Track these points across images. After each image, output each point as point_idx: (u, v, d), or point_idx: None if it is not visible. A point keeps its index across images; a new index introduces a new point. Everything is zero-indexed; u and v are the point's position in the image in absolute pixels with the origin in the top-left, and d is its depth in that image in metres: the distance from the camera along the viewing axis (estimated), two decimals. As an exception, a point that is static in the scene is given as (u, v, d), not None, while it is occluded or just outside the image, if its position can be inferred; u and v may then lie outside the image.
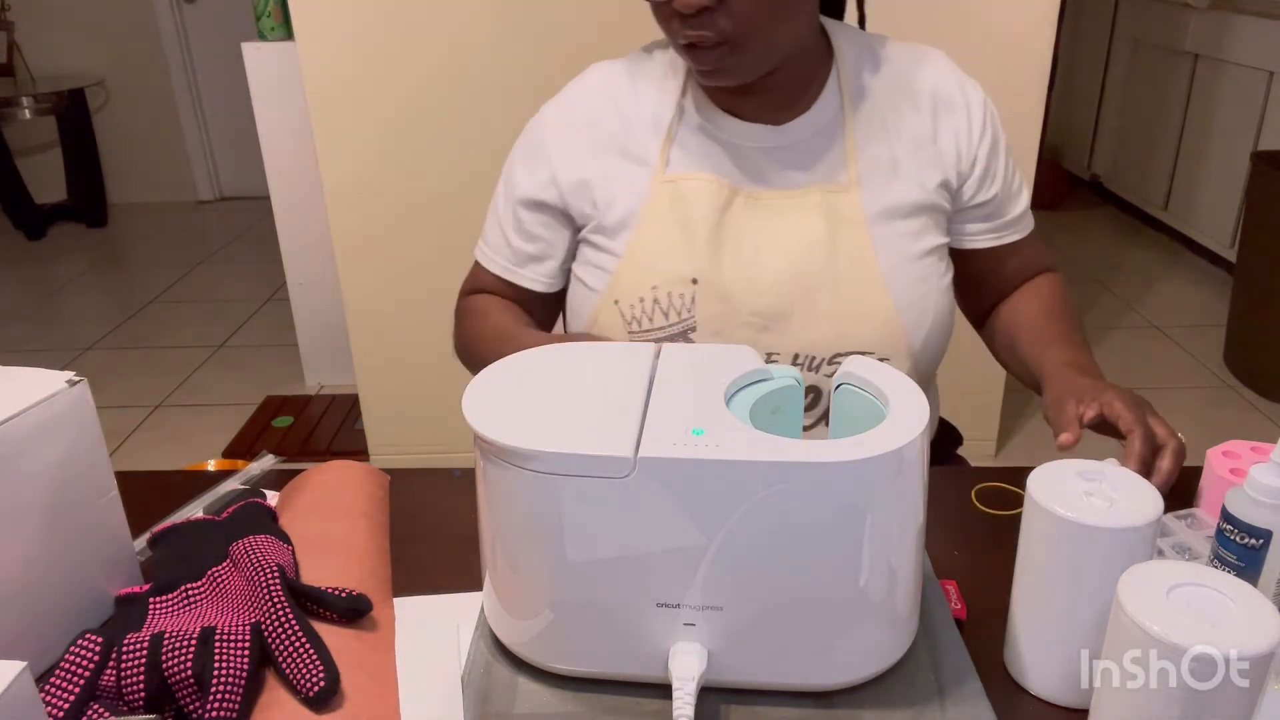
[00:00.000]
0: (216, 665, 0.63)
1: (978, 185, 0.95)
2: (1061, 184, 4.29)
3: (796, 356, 0.91)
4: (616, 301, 0.92)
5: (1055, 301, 1.01)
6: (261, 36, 2.58)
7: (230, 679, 0.63)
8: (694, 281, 0.90)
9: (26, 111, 4.23)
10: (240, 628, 0.66)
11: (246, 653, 0.64)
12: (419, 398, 2.27)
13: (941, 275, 0.95)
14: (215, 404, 2.78)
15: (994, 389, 2.32)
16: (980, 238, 0.99)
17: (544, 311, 1.05)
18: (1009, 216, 0.99)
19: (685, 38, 0.83)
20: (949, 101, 0.94)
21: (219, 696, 0.62)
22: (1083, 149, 4.43)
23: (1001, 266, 1.02)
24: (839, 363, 0.90)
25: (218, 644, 0.64)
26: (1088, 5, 4.27)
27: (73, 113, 4.28)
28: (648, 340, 0.91)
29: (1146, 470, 0.74)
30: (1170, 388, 2.74)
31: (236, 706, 0.62)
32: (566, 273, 1.02)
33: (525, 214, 0.98)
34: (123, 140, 4.67)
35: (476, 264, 1.05)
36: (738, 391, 0.70)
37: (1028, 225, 1.02)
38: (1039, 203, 2.22)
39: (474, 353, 0.98)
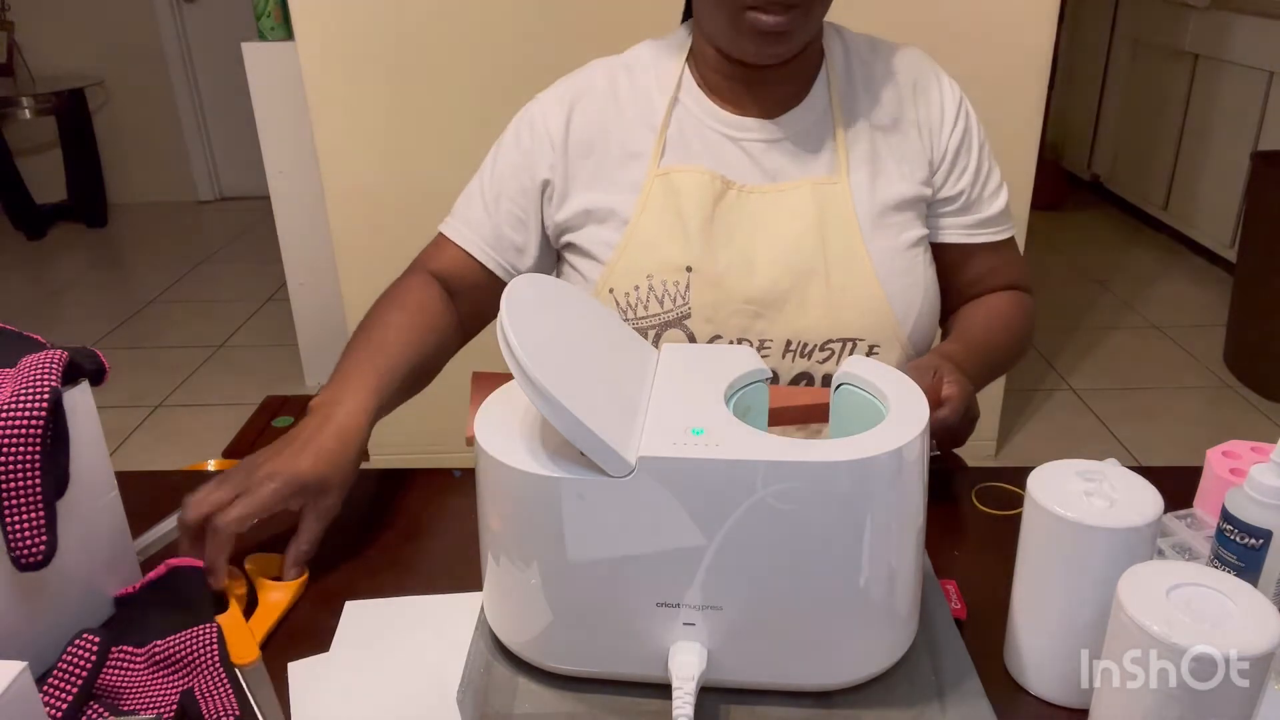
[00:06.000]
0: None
1: (945, 177, 0.97)
2: (1061, 184, 4.28)
3: (789, 343, 0.93)
4: (611, 290, 0.94)
5: (999, 316, 1.01)
6: (261, 36, 2.58)
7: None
8: (688, 269, 0.92)
9: (26, 111, 4.23)
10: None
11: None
12: (419, 398, 2.26)
13: (926, 266, 0.97)
14: (215, 404, 2.78)
15: (994, 389, 2.32)
16: (949, 231, 0.99)
17: (483, 297, 1.01)
18: (980, 215, 0.99)
19: (762, 2, 0.83)
20: (925, 93, 0.96)
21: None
22: (1083, 149, 4.43)
23: (966, 266, 1.01)
24: (831, 349, 0.92)
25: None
26: (1088, 5, 4.27)
27: (73, 113, 4.28)
28: (642, 328, 0.93)
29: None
30: (1170, 388, 2.74)
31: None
32: (537, 266, 1.01)
33: (507, 197, 0.99)
34: (123, 140, 4.66)
35: (441, 238, 1.02)
36: (738, 391, 0.70)
37: (1001, 232, 1.01)
38: (1039, 202, 2.23)
39: (348, 346, 0.93)
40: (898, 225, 0.94)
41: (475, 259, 1.00)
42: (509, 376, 0.62)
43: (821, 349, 0.93)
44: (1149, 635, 0.54)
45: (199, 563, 0.76)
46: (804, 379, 0.94)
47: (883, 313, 0.92)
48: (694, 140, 0.95)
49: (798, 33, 0.86)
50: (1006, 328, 1.00)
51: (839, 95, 0.95)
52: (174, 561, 0.77)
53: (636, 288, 0.93)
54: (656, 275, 0.92)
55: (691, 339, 0.93)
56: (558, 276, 1.04)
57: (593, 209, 0.96)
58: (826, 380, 0.94)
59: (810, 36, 0.90)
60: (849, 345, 0.93)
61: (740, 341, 0.93)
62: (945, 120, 0.96)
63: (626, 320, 0.93)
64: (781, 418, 0.77)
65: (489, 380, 0.82)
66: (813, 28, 0.89)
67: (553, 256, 1.03)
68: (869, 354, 0.92)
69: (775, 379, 0.94)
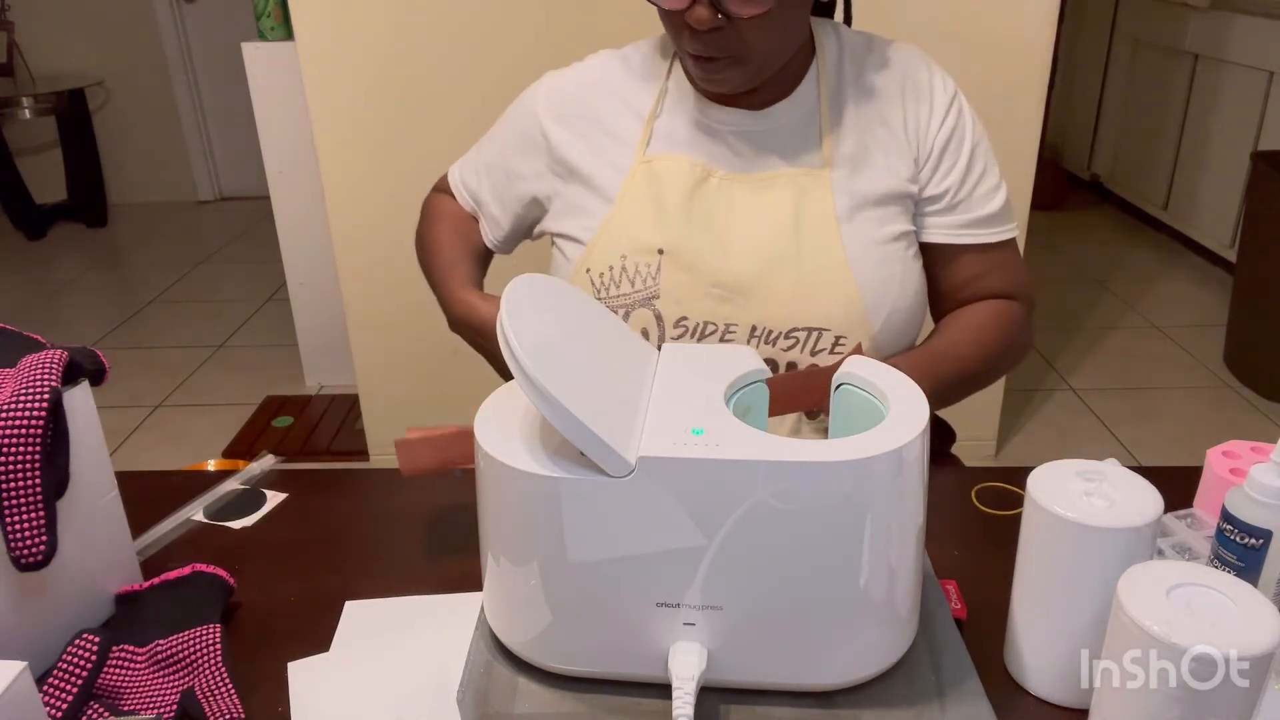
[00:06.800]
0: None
1: (930, 174, 0.96)
2: (1061, 184, 4.28)
3: (754, 329, 0.93)
4: (588, 270, 0.96)
5: (969, 330, 0.98)
6: (261, 36, 2.58)
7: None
8: (660, 252, 0.93)
9: (26, 111, 4.23)
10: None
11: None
12: (419, 398, 2.26)
13: (908, 262, 0.95)
14: (215, 404, 2.78)
15: (993, 389, 2.32)
16: (934, 231, 0.97)
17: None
18: (968, 216, 0.96)
19: (693, 48, 0.86)
20: (916, 90, 0.96)
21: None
22: (1083, 149, 4.42)
23: (952, 268, 0.99)
24: (796, 337, 0.92)
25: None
26: (1088, 5, 4.27)
27: (73, 113, 4.28)
28: (612, 307, 0.94)
29: None
30: (1170, 388, 2.74)
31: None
32: (505, 241, 1.10)
33: (496, 170, 1.06)
34: (123, 140, 4.66)
35: (443, 180, 1.13)
36: (738, 391, 0.70)
37: (992, 235, 0.97)
38: (1039, 202, 2.22)
39: (427, 268, 1.07)
40: (878, 219, 0.93)
41: (463, 208, 1.11)
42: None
43: (786, 337, 0.92)
44: (1149, 635, 0.54)
45: (222, 571, 0.77)
46: (768, 366, 0.94)
47: (852, 304, 0.91)
48: (680, 130, 0.96)
49: (734, 79, 0.88)
50: (975, 342, 0.97)
51: (829, 90, 0.95)
52: (199, 565, 0.77)
53: (610, 268, 0.95)
54: (630, 256, 0.94)
55: (659, 319, 0.93)
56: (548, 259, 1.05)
57: (580, 196, 0.98)
58: (790, 369, 0.93)
59: (765, 74, 0.90)
60: (814, 335, 0.92)
61: (706, 325, 0.93)
62: (934, 117, 0.95)
63: (599, 300, 0.95)
64: (781, 400, 0.77)
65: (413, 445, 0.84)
66: (758, 71, 0.88)
67: (524, 231, 1.09)
68: (835, 345, 0.92)
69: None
